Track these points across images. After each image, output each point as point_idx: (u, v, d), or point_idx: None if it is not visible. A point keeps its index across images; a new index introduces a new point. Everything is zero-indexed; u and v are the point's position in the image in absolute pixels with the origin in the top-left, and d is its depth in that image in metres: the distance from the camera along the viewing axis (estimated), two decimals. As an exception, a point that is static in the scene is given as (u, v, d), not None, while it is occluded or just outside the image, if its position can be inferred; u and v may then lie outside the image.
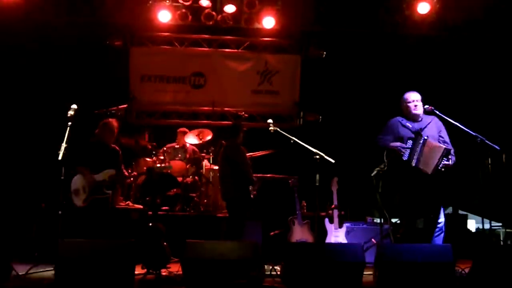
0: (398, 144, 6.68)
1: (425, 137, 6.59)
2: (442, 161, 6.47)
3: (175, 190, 9.45)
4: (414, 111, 6.83)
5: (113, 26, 10.70)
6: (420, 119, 6.85)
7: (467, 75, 10.84)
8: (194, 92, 11.45)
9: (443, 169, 6.53)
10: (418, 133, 6.63)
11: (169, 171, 8.62)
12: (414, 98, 6.86)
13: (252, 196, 7.68)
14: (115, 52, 10.96)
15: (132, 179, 8.95)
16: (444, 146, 6.56)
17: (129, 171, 9.44)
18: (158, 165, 8.64)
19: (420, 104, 6.85)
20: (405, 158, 6.60)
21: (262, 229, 8.79)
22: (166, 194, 9.28)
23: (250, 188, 7.64)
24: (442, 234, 6.70)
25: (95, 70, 10.63)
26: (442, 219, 6.72)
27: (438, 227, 6.69)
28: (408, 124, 6.77)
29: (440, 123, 6.90)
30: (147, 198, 8.17)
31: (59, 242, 5.73)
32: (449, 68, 10.87)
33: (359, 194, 9.51)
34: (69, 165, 6.96)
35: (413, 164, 6.54)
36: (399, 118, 6.90)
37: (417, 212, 6.73)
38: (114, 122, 7.66)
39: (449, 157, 6.53)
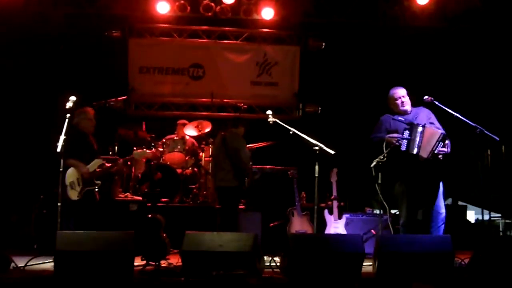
0: (395, 134, 6.67)
1: (423, 125, 6.59)
2: (438, 145, 6.48)
3: (159, 174, 9.25)
4: (402, 108, 6.85)
5: (112, 17, 10.67)
6: (409, 112, 6.88)
7: (466, 65, 10.81)
8: (193, 84, 11.43)
9: (440, 156, 6.55)
10: (412, 124, 6.64)
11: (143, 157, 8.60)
12: (400, 95, 6.86)
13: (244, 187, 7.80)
14: (113, 44, 10.93)
15: (116, 168, 8.76)
16: (441, 131, 6.58)
17: (129, 163, 9.44)
18: (135, 149, 8.58)
19: (407, 99, 6.88)
20: (403, 148, 6.60)
21: (262, 220, 8.79)
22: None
23: (246, 179, 7.74)
24: (443, 226, 6.70)
25: (93, 61, 10.60)
26: (443, 210, 6.71)
27: (440, 219, 6.68)
28: (400, 118, 6.78)
29: (428, 111, 6.92)
30: (146, 190, 8.16)
31: (58, 234, 5.73)
32: (449, 59, 10.85)
33: (358, 185, 9.50)
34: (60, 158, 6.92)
35: (414, 152, 6.55)
36: (389, 115, 6.92)
37: (417, 202, 6.73)
38: (90, 110, 7.63)
39: (446, 142, 6.55)
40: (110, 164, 7.71)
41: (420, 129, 6.56)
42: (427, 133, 6.55)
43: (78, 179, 7.12)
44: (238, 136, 7.97)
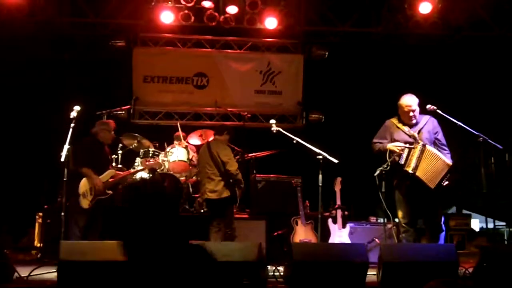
0: (397, 143, 6.63)
1: (423, 144, 6.56)
2: (445, 177, 6.46)
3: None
4: (410, 121, 6.77)
5: (116, 27, 10.70)
6: (416, 123, 6.82)
7: (469, 74, 10.81)
8: (197, 93, 11.43)
9: (444, 187, 6.54)
10: (415, 138, 6.61)
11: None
12: (413, 108, 6.75)
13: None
14: (118, 53, 10.95)
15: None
16: (451, 163, 6.55)
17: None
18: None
19: (416, 111, 6.77)
20: (401, 162, 6.57)
21: (266, 229, 8.77)
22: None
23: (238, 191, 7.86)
24: (443, 233, 6.69)
25: (98, 71, 10.63)
26: (440, 218, 6.70)
27: (438, 227, 6.65)
28: (404, 128, 6.73)
29: (436, 123, 6.85)
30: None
31: (61, 244, 5.73)
32: (452, 67, 10.84)
33: (362, 194, 9.49)
34: (75, 166, 7.03)
35: (411, 171, 6.52)
36: (394, 120, 6.88)
37: (414, 211, 6.72)
38: (112, 122, 7.81)
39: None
40: (123, 175, 7.94)
41: (420, 147, 6.53)
42: (429, 155, 6.53)
43: (91, 189, 7.25)
44: (224, 144, 7.99)
